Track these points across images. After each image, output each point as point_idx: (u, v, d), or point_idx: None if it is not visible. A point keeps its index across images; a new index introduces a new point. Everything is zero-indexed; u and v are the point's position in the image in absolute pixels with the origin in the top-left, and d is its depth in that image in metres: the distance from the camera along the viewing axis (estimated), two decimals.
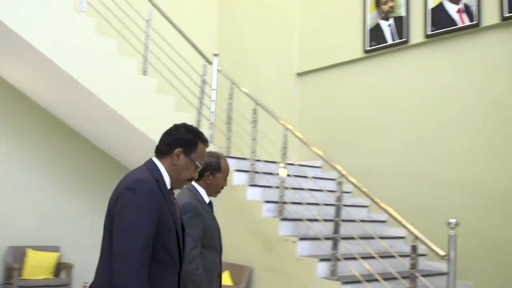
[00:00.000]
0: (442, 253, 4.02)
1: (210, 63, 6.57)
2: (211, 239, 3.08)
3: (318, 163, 6.72)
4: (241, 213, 5.58)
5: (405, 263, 4.72)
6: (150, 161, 2.32)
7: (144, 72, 6.10)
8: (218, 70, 6.56)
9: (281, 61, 7.58)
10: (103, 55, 5.66)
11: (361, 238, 5.12)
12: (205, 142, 2.38)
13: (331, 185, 5.86)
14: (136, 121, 5.80)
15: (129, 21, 6.26)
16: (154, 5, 6.22)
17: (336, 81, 6.93)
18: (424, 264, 5.50)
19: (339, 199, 4.82)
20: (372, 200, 4.71)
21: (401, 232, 5.82)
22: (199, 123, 6.43)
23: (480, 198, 5.32)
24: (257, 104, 5.93)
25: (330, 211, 5.17)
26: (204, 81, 6.57)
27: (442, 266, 5.39)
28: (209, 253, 3.05)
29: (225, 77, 6.45)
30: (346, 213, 5.11)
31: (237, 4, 8.46)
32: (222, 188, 3.24)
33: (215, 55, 6.59)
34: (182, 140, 2.31)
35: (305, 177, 5.84)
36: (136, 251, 2.02)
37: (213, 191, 3.18)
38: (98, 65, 5.61)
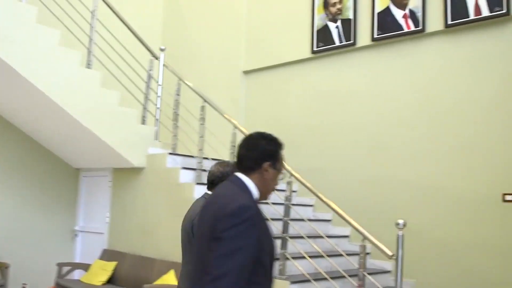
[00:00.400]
0: (389, 253, 4.11)
1: (156, 58, 6.44)
2: None
3: None
4: None
5: (352, 261, 4.85)
6: (238, 179, 2.23)
7: (88, 65, 5.89)
8: (164, 65, 6.44)
9: (228, 58, 7.51)
10: (44, 46, 5.40)
11: (308, 237, 5.16)
12: (282, 148, 2.35)
13: None
14: (79, 116, 5.59)
15: (73, 11, 6.01)
16: None
17: (283, 81, 6.95)
18: (368, 262, 5.62)
19: (288, 198, 4.84)
20: (321, 200, 4.76)
21: (345, 231, 5.93)
22: (144, 119, 6.29)
23: (424, 198, 5.50)
24: (205, 101, 5.86)
25: (279, 210, 5.19)
26: (150, 76, 6.43)
27: (385, 264, 5.56)
28: None
29: (172, 72, 6.34)
30: (293, 212, 5.15)
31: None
32: None
33: (162, 50, 6.48)
34: (267, 152, 2.26)
35: None
36: (234, 276, 1.96)
37: None
38: (40, 56, 5.35)
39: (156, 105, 6.35)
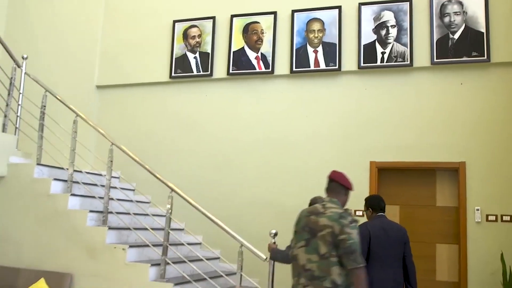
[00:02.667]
0: (264, 257, 5.10)
1: (19, 66, 6.42)
2: None
3: (116, 174, 7.12)
4: (61, 222, 5.68)
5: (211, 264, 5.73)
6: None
7: None
8: (26, 73, 6.46)
9: (81, 71, 7.70)
10: None
11: (170, 244, 5.86)
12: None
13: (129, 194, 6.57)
14: None
15: None
16: None
17: (139, 100, 7.49)
18: (218, 265, 6.51)
19: (168, 211, 5.48)
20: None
21: (196, 239, 6.73)
22: (5, 127, 6.21)
23: (266, 211, 6.65)
24: (77, 115, 6.10)
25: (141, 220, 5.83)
26: (12, 84, 6.36)
27: (231, 267, 6.50)
28: None
29: (35, 81, 6.39)
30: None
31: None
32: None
33: (24, 58, 6.48)
34: None
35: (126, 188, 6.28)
36: None
37: None
38: None
39: (16, 113, 6.32)
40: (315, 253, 3.48)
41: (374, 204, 4.90)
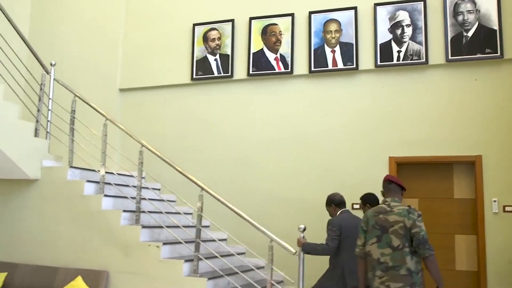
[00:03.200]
0: (293, 250, 5.33)
1: (48, 72, 6.66)
2: None
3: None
4: (95, 222, 5.93)
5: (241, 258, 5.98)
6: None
7: None
8: (55, 79, 6.70)
9: (104, 75, 7.96)
10: None
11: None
12: None
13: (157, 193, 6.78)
14: None
15: None
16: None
17: (161, 102, 7.73)
18: (244, 260, 6.75)
19: (199, 209, 5.72)
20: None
21: (222, 235, 6.97)
22: (37, 132, 6.45)
23: (288, 207, 6.89)
24: (107, 119, 6.34)
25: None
26: (42, 90, 6.61)
27: (257, 262, 6.73)
28: None
29: (63, 86, 6.62)
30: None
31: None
32: None
33: (52, 65, 6.71)
34: None
35: (147, 187, 6.52)
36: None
37: None
38: None
39: (47, 118, 6.56)
40: (388, 247, 4.13)
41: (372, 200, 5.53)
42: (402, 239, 4.07)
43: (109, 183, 6.24)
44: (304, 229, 5.34)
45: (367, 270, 4.27)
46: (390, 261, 4.07)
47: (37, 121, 6.50)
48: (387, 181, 4.42)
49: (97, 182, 6.19)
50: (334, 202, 5.55)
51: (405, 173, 6.65)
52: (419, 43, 6.59)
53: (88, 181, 6.12)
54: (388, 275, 4.06)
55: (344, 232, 5.18)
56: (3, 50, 6.22)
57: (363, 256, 4.34)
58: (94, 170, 6.37)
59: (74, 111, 6.53)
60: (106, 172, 6.24)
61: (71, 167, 6.26)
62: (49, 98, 6.62)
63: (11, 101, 6.08)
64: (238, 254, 6.68)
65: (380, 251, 4.14)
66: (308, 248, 5.20)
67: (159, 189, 7.21)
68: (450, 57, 6.45)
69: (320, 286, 5.33)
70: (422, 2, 6.63)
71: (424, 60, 6.54)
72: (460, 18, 6.49)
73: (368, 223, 4.32)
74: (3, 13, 6.11)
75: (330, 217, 5.51)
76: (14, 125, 6.01)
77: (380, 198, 5.09)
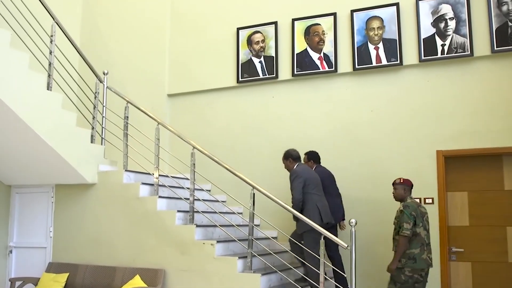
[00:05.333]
0: (345, 245, 5.41)
1: (101, 81, 6.96)
2: None
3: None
4: (151, 222, 6.18)
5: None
6: None
7: (48, 87, 6.22)
8: (108, 87, 7.00)
9: (152, 81, 8.25)
10: (16, 69, 5.64)
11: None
12: None
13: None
14: (44, 134, 5.88)
15: (35, 36, 6.30)
16: (56, 22, 6.39)
17: (208, 105, 7.96)
18: (291, 256, 6.86)
19: (251, 207, 5.87)
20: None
21: (272, 233, 7.10)
22: (93, 138, 6.75)
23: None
24: (159, 124, 6.58)
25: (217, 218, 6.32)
26: (97, 98, 6.91)
27: None
28: None
29: (116, 94, 6.91)
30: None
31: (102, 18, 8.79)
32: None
33: (105, 74, 7.01)
34: None
35: (202, 189, 6.72)
36: None
37: None
38: (11, 78, 5.58)
39: (102, 125, 6.86)
40: (425, 230, 5.70)
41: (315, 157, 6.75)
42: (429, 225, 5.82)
43: (163, 185, 6.48)
44: (355, 223, 5.41)
45: (414, 247, 5.58)
46: (427, 239, 5.70)
47: (92, 128, 6.80)
48: (411, 184, 5.91)
49: (151, 185, 6.44)
50: (292, 157, 6.37)
51: (452, 166, 6.63)
52: (463, 35, 6.57)
53: (143, 183, 6.38)
54: (428, 250, 5.66)
55: (308, 180, 6.10)
56: (60, 60, 6.53)
57: (410, 235, 5.55)
58: (148, 173, 6.61)
59: (127, 117, 6.80)
60: (160, 175, 6.48)
61: (126, 170, 6.53)
62: (103, 106, 6.92)
63: (68, 109, 6.37)
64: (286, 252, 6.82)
65: (424, 232, 5.65)
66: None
67: (209, 190, 7.41)
68: (495, 48, 6.41)
69: (303, 226, 5.79)
70: None
71: (469, 52, 6.52)
72: (504, 8, 6.44)
73: (417, 211, 5.64)
74: (59, 26, 6.43)
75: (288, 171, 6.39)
76: (72, 132, 6.32)
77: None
